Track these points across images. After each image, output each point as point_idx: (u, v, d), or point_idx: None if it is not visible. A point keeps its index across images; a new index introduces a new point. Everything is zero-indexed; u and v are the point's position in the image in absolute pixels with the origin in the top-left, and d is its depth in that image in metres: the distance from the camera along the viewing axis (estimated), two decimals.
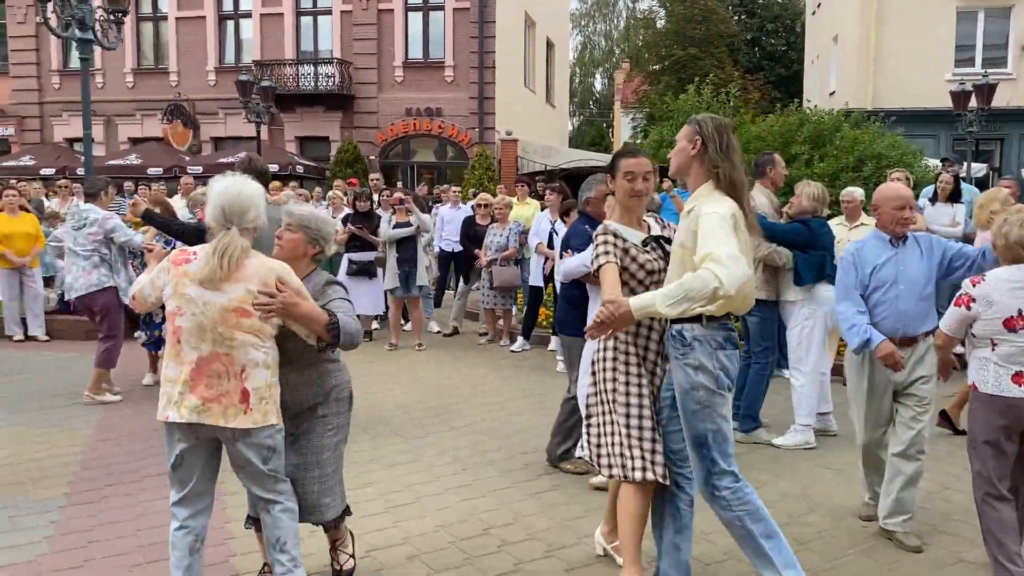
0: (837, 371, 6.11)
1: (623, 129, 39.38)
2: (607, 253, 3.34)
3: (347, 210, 10.56)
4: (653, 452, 3.33)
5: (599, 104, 52.37)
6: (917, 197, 8.97)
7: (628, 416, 3.35)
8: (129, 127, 24.35)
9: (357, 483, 4.79)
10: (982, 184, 15.63)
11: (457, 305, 10.48)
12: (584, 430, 3.59)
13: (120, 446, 5.56)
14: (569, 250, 4.83)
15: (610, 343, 3.41)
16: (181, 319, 3.01)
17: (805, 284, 5.59)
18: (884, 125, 12.78)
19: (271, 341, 3.08)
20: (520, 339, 9.21)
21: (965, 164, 15.90)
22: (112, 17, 9.98)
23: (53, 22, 9.81)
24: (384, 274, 9.15)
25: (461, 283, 10.66)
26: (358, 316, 3.49)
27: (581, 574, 3.76)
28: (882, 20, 21.02)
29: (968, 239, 7.75)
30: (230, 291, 2.98)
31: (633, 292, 3.30)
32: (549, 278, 8.42)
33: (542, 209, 9.89)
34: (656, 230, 3.53)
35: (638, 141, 25.03)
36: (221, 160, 20.96)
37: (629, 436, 3.32)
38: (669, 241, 3.44)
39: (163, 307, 3.16)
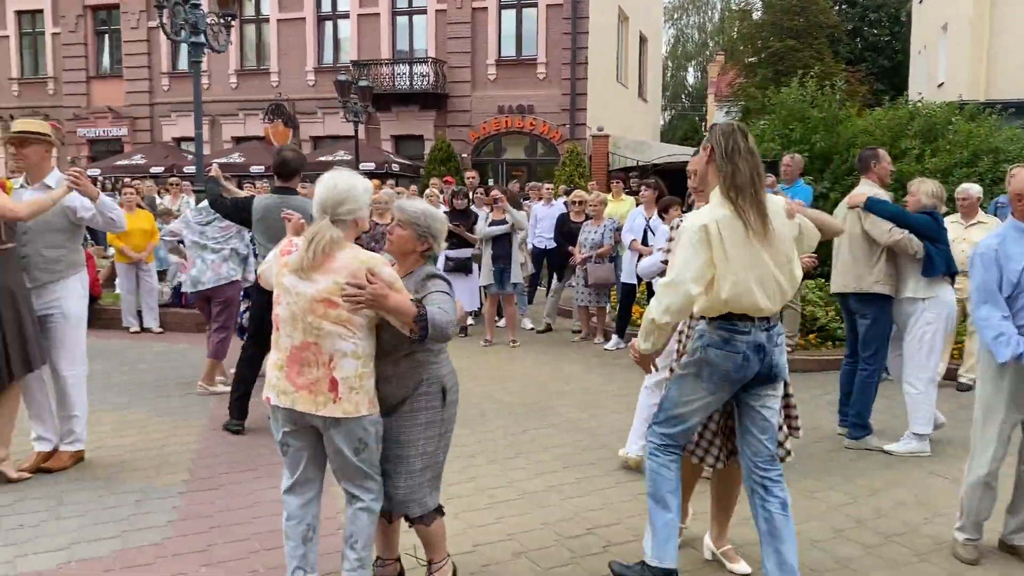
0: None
1: (717, 122, 38.58)
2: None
3: (443, 208, 10.71)
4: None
5: (691, 98, 51.61)
6: None
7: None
8: (232, 126, 25.29)
9: (460, 477, 4.86)
10: None
11: (550, 302, 10.49)
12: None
13: (236, 436, 5.76)
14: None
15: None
16: (279, 307, 3.11)
17: (935, 275, 5.29)
18: (1001, 118, 12.15)
19: (362, 332, 3.06)
20: (615, 337, 9.15)
21: None
22: (222, 21, 10.38)
23: (167, 27, 10.27)
24: (480, 270, 9.26)
25: (555, 280, 10.66)
26: None
27: None
28: (996, 5, 20.00)
29: None
30: (319, 282, 3.01)
31: None
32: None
33: (636, 205, 9.80)
34: None
35: None
36: (320, 159, 21.57)
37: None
38: None
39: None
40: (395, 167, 21.36)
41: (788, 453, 3.55)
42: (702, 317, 3.38)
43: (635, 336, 3.55)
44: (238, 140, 24.93)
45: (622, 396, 6.95)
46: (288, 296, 3.07)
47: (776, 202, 3.38)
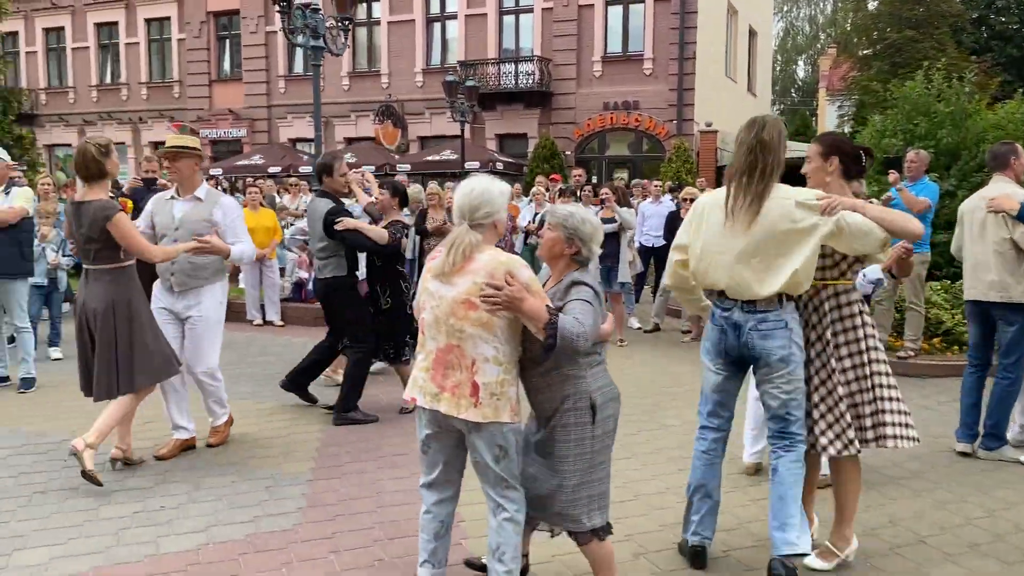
0: None
1: (829, 117, 37.30)
2: None
3: (548, 205, 10.75)
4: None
5: (801, 92, 50.04)
6: None
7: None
8: (344, 127, 26.06)
9: None
10: None
11: (659, 301, 10.38)
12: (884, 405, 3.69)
13: (359, 427, 5.97)
14: None
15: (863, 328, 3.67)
16: (425, 312, 3.16)
17: None
18: None
19: (504, 336, 3.04)
20: None
21: None
22: (340, 25, 10.72)
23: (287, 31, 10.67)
24: None
25: (664, 279, 10.53)
26: None
27: None
28: None
29: None
30: (459, 283, 3.04)
31: None
32: None
33: None
34: None
35: (846, 131, 23.70)
36: (427, 158, 22.00)
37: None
38: None
39: None
40: (499, 165, 21.56)
41: (812, 446, 3.67)
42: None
43: None
44: (350, 141, 25.67)
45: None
46: (432, 300, 3.12)
47: (802, 199, 3.44)
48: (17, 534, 4.09)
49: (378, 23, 25.78)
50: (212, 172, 23.04)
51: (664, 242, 10.08)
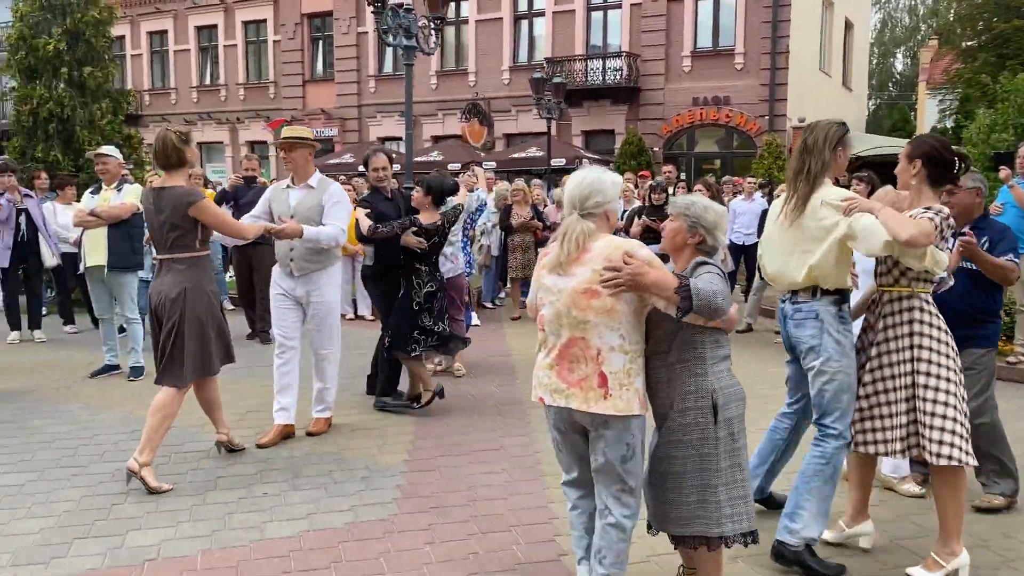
0: None
1: (929, 111, 35.82)
2: None
3: (637, 202, 10.66)
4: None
5: (900, 86, 48.17)
6: None
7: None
8: (432, 126, 26.39)
9: None
10: None
11: (752, 301, 10.18)
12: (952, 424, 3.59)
13: (450, 420, 6.07)
14: None
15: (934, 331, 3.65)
16: (544, 309, 3.13)
17: None
18: None
19: (629, 323, 3.00)
20: None
21: None
22: (431, 24, 10.85)
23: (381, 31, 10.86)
24: None
25: (757, 278, 10.32)
26: None
27: None
28: None
29: None
30: (578, 274, 3.01)
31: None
32: None
33: None
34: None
35: (948, 126, 22.71)
36: (512, 156, 22.09)
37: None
38: None
39: None
40: (584, 162, 21.48)
41: (850, 442, 3.77)
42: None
43: None
44: (437, 139, 25.98)
45: None
46: (550, 295, 3.09)
47: (829, 199, 3.57)
48: (131, 515, 4.30)
49: (466, 22, 26.00)
50: None
51: (756, 240, 9.87)
